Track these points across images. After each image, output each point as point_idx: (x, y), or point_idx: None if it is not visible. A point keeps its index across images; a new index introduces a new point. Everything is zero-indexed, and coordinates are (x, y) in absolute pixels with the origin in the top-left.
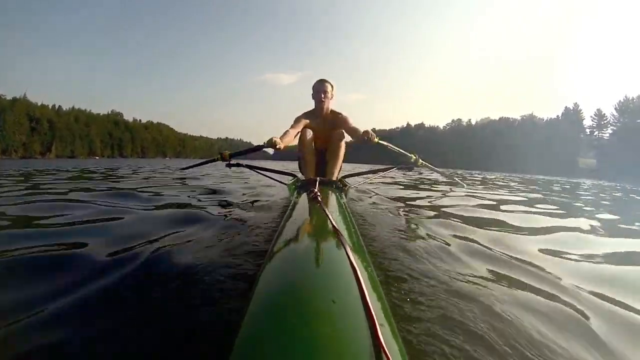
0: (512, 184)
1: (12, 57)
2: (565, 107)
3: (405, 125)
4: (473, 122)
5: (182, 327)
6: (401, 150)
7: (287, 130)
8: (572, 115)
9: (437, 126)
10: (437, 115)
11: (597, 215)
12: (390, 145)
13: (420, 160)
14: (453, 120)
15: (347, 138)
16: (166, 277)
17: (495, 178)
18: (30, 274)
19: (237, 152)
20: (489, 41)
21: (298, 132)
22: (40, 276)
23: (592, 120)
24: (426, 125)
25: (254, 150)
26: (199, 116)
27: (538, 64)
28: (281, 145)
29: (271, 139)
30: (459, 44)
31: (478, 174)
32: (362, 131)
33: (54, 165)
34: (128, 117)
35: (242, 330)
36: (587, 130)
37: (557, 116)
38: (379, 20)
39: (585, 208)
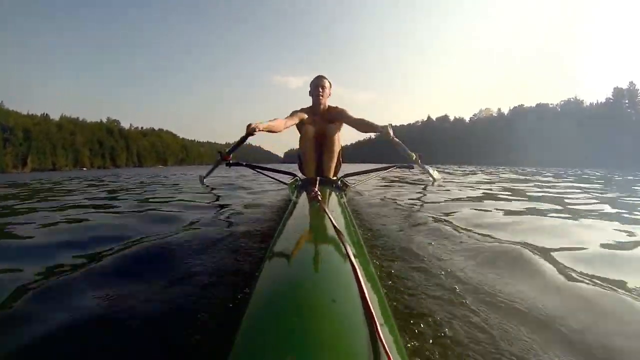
0: None
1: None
2: (615, 87)
3: (426, 119)
4: (505, 112)
5: (182, 327)
6: (407, 150)
7: (276, 118)
8: (627, 96)
9: (463, 118)
10: (461, 107)
11: None
12: (402, 145)
13: (419, 161)
14: (481, 110)
15: (343, 132)
16: (165, 277)
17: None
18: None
19: (231, 149)
20: (505, 26)
21: (291, 124)
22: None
23: None
24: (450, 119)
25: (242, 142)
26: (207, 125)
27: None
28: (259, 127)
29: (249, 125)
30: (474, 33)
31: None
32: (382, 125)
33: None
34: (127, 124)
35: (241, 330)
36: None
37: (608, 98)
38: (388, 17)
39: None
